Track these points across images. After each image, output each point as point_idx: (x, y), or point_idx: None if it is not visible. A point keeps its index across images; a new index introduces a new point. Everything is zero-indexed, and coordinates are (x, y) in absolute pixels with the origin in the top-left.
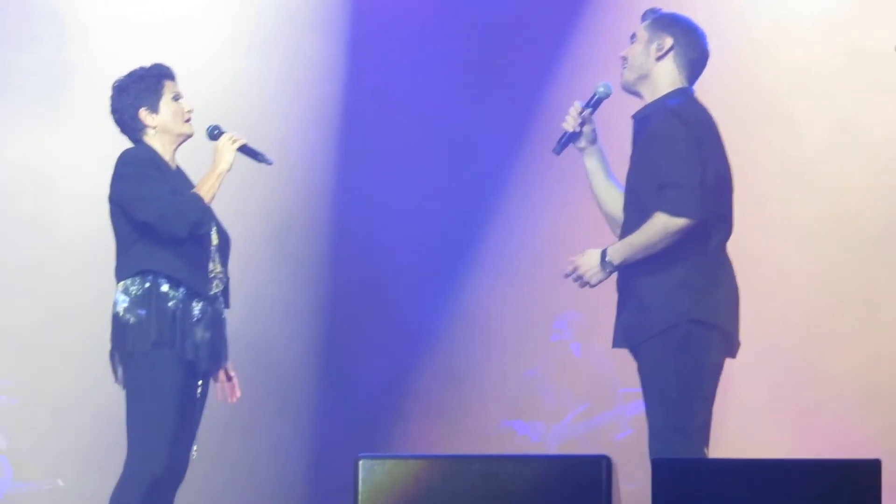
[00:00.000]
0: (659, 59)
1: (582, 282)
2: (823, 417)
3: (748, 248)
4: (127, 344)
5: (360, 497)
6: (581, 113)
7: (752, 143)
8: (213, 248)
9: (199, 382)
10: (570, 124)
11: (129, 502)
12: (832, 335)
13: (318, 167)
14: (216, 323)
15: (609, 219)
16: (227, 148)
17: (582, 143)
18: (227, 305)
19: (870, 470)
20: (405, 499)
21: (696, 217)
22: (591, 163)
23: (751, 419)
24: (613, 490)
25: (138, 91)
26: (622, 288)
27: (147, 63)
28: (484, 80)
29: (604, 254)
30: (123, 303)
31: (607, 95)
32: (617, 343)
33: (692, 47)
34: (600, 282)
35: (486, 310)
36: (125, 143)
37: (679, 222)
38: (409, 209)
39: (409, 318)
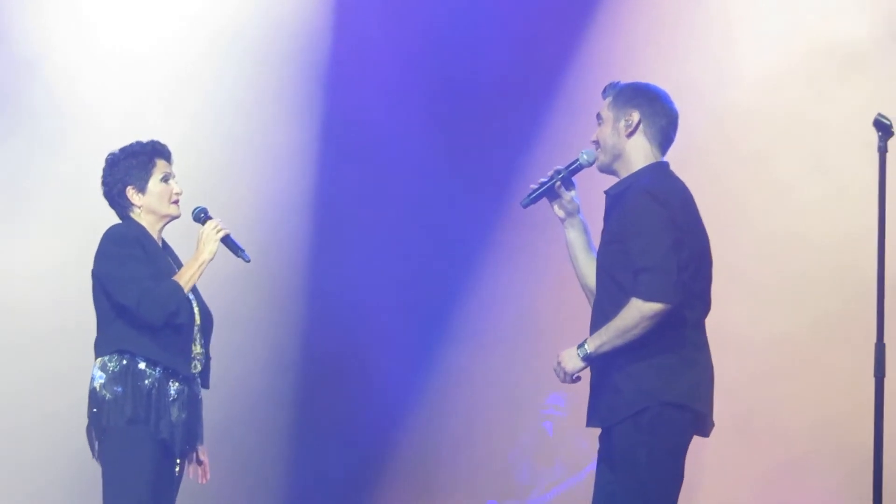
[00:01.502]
0: (629, 135)
1: (563, 374)
2: (790, 473)
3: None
4: (102, 419)
5: None
6: (557, 170)
7: (734, 207)
8: (196, 329)
9: (178, 461)
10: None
11: None
12: (793, 392)
13: (293, 228)
14: (192, 403)
15: (587, 291)
16: (210, 237)
17: (561, 212)
18: (205, 386)
19: None
20: None
21: (672, 301)
22: (572, 234)
23: (720, 476)
24: None
25: (128, 168)
26: (596, 369)
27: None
28: (467, 142)
29: (581, 344)
30: (100, 378)
31: (589, 164)
32: (591, 422)
33: (660, 114)
34: (579, 371)
35: (471, 389)
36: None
37: (655, 307)
38: (387, 276)
39: (383, 392)
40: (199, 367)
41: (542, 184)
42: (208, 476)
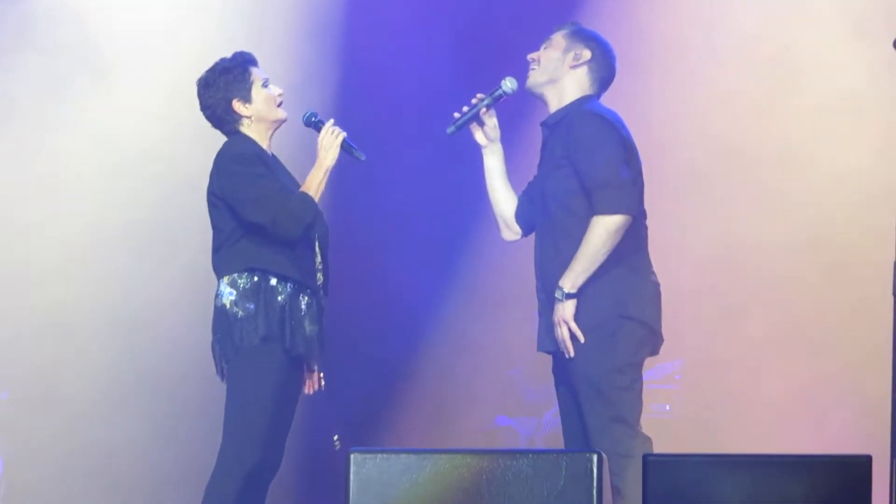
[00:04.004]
0: (573, 67)
1: (566, 326)
2: (821, 415)
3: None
4: (234, 338)
5: (351, 491)
6: (482, 99)
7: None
8: (316, 242)
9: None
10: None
11: (223, 496)
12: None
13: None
14: (320, 315)
15: (500, 220)
16: (331, 143)
17: (484, 139)
18: (326, 294)
19: (860, 466)
20: (396, 493)
21: (633, 213)
22: (492, 161)
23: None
24: (605, 484)
25: (227, 83)
26: (544, 291)
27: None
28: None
29: (559, 289)
30: (230, 296)
31: (513, 91)
32: (541, 346)
33: (606, 66)
34: (572, 315)
35: (471, 314)
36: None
37: (617, 220)
38: (403, 215)
39: (396, 319)
40: (321, 279)
41: (468, 111)
42: (317, 386)
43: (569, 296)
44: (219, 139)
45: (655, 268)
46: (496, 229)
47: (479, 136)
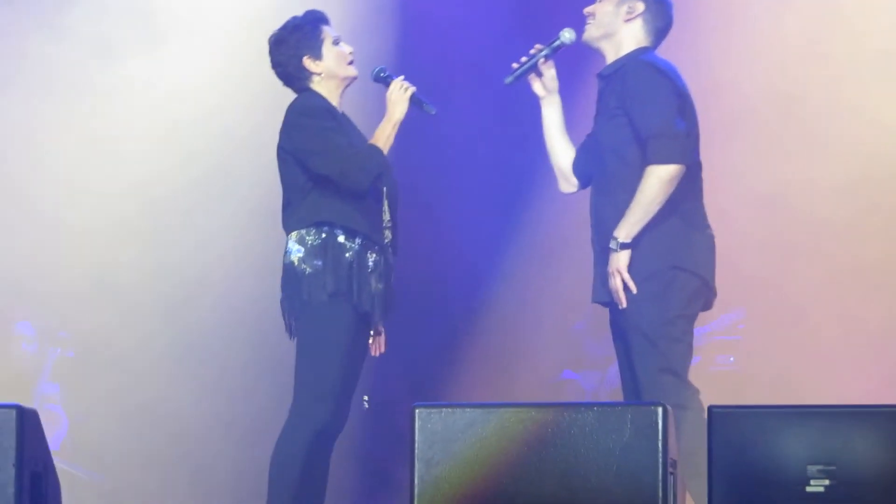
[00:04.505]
0: (628, 20)
1: (620, 277)
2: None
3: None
4: (302, 294)
5: (416, 445)
6: (540, 49)
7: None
8: (384, 197)
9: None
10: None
11: (292, 453)
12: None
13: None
14: (388, 273)
15: (558, 171)
16: (400, 97)
17: (542, 90)
18: (394, 253)
19: None
20: (461, 447)
21: (686, 162)
22: (551, 112)
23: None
24: (670, 436)
25: (298, 40)
26: (598, 242)
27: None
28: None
29: (613, 239)
30: (298, 252)
31: (571, 41)
32: (596, 297)
33: (661, 15)
34: (627, 264)
35: (536, 267)
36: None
37: (671, 169)
38: (466, 169)
39: (461, 273)
40: (389, 236)
41: (526, 61)
42: (383, 348)
43: (623, 245)
44: (272, 102)
45: (712, 216)
46: (555, 181)
47: (537, 87)
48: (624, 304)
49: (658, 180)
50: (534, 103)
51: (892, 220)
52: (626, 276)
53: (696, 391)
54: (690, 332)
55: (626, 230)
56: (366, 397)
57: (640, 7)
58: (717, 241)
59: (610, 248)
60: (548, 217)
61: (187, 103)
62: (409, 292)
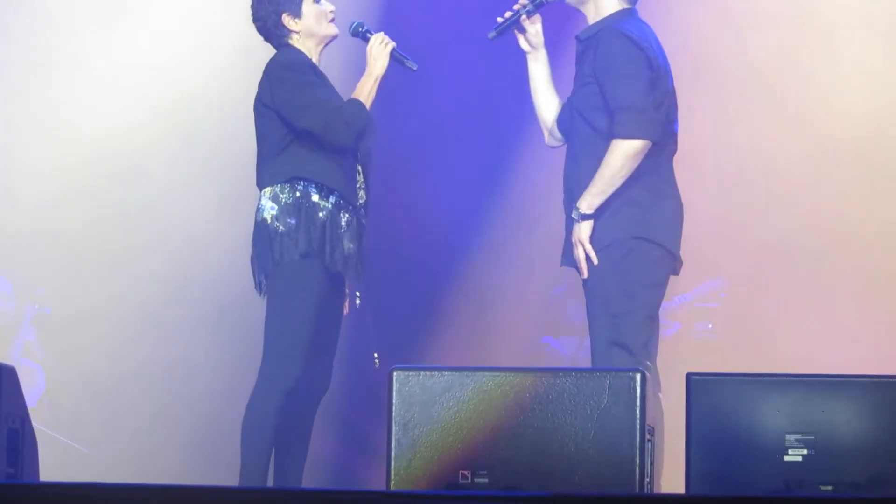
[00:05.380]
0: None
1: (582, 248)
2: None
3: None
4: (274, 252)
5: (393, 408)
6: (524, 4)
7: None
8: (358, 157)
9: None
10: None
11: (263, 412)
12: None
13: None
14: (360, 234)
15: (543, 125)
16: (381, 52)
17: (527, 45)
18: (367, 214)
19: None
20: (439, 410)
21: (652, 138)
22: (536, 67)
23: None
24: (648, 402)
25: None
26: (569, 207)
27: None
28: None
29: (576, 209)
30: (272, 210)
31: None
32: (565, 261)
33: None
34: (589, 234)
35: (516, 230)
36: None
37: (636, 144)
38: (444, 127)
39: (440, 236)
40: (364, 197)
41: (510, 16)
42: (358, 303)
43: (584, 216)
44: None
45: (693, 187)
46: (539, 139)
47: (522, 42)
48: (585, 274)
49: (622, 154)
50: (520, 59)
51: (876, 193)
52: (588, 247)
53: (648, 368)
54: (653, 305)
55: (588, 201)
56: (376, 355)
57: None
58: (700, 210)
59: (572, 218)
60: (529, 179)
61: (162, 72)
62: (386, 256)
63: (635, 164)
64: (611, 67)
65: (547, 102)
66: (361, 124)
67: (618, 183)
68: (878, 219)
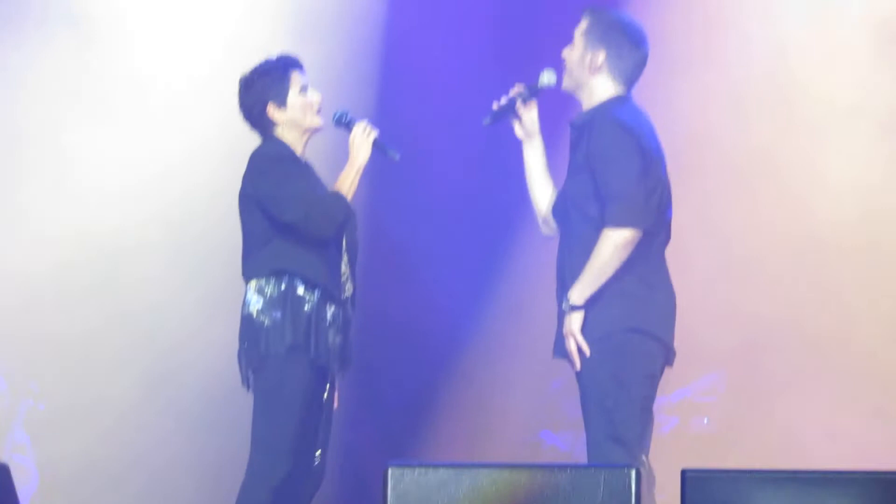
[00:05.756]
0: (592, 73)
1: (573, 339)
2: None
3: None
4: (260, 346)
5: None
6: (519, 91)
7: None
8: (343, 250)
9: (327, 387)
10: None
11: None
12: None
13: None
14: (346, 327)
15: (538, 215)
16: (363, 142)
17: (522, 132)
18: (353, 307)
19: None
20: None
21: (643, 227)
22: (532, 155)
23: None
24: (643, 500)
25: (265, 85)
26: (560, 297)
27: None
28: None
29: (566, 300)
30: (257, 304)
31: (551, 84)
32: (557, 353)
33: (629, 55)
34: (580, 325)
35: (514, 322)
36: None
37: (627, 234)
38: (441, 216)
39: (437, 327)
40: (351, 289)
41: (504, 102)
42: (337, 404)
43: (574, 307)
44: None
45: (692, 278)
46: (537, 227)
47: (517, 129)
48: (578, 366)
49: (612, 244)
50: (515, 145)
51: (875, 285)
52: (580, 339)
53: (643, 463)
54: (648, 396)
55: (579, 292)
56: (318, 452)
57: (601, 57)
58: (699, 304)
59: (563, 309)
60: (526, 269)
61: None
62: (382, 346)
63: (626, 254)
64: (602, 155)
65: (542, 191)
66: (342, 216)
67: (608, 273)
68: (872, 302)
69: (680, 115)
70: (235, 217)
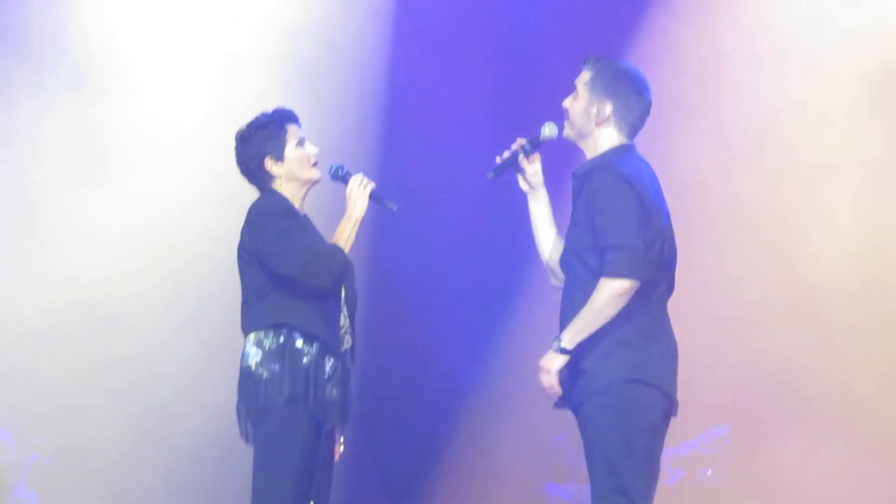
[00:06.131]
0: (599, 124)
1: (548, 377)
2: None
3: None
4: (259, 399)
5: None
6: (522, 145)
7: None
8: (342, 303)
9: (340, 440)
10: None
11: None
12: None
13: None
14: (345, 380)
15: (549, 268)
16: (360, 194)
17: (526, 185)
18: (353, 361)
19: None
20: None
21: (640, 277)
22: (536, 208)
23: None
24: None
25: (262, 140)
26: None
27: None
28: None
29: (557, 338)
30: (256, 356)
31: (553, 137)
32: (559, 403)
33: (633, 107)
34: (562, 365)
35: (518, 373)
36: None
37: (624, 284)
38: (444, 268)
39: (440, 379)
40: (350, 342)
41: (507, 156)
42: (340, 451)
43: (563, 350)
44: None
45: (701, 329)
46: (539, 278)
47: (521, 183)
48: (552, 397)
49: (608, 294)
50: (520, 196)
51: (884, 337)
52: (554, 381)
53: None
54: (651, 448)
55: (570, 336)
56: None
57: (609, 108)
58: (704, 355)
59: (552, 346)
60: (530, 320)
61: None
62: (384, 397)
63: (622, 304)
64: (601, 205)
65: (549, 243)
66: (339, 269)
67: (602, 321)
68: (871, 350)
69: (673, 166)
70: (233, 269)
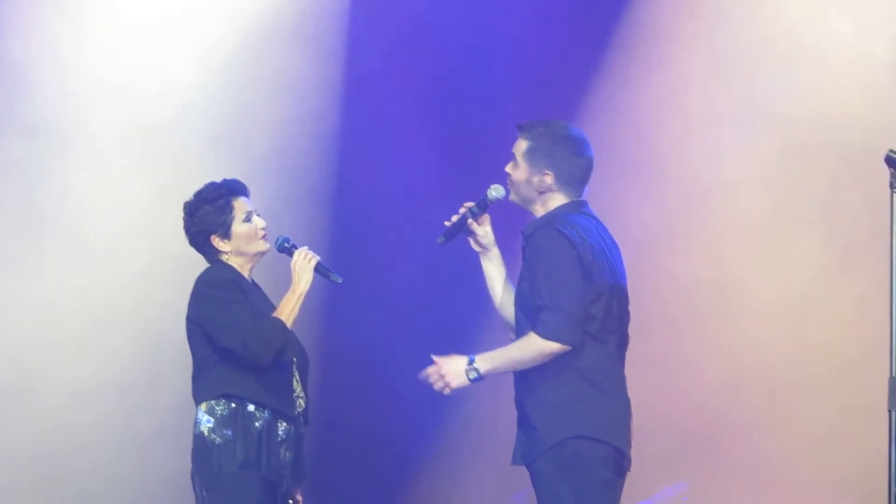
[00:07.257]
0: (542, 193)
1: (442, 383)
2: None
3: None
4: (213, 465)
5: None
6: (469, 208)
7: None
8: (293, 366)
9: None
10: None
11: None
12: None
13: (310, 230)
14: (298, 442)
15: (506, 324)
16: (305, 267)
17: (478, 247)
18: (306, 424)
19: None
20: None
21: (570, 343)
22: (489, 268)
23: None
24: None
25: (206, 216)
26: (518, 405)
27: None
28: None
29: (471, 360)
30: (208, 423)
31: (500, 198)
32: (514, 460)
33: (576, 167)
34: (460, 386)
35: (475, 432)
36: None
37: (553, 346)
38: (399, 328)
39: (397, 439)
40: (302, 406)
41: (456, 220)
42: None
43: (475, 371)
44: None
45: (657, 383)
46: (494, 336)
47: (473, 244)
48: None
49: (536, 351)
50: (473, 255)
51: (830, 390)
52: (448, 385)
53: None
54: (607, 503)
55: (488, 364)
56: None
57: (550, 178)
58: (658, 407)
59: (467, 363)
60: (485, 381)
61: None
62: (340, 459)
63: (545, 361)
64: (541, 264)
65: (506, 302)
66: (280, 343)
67: (519, 367)
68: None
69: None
70: (182, 339)
